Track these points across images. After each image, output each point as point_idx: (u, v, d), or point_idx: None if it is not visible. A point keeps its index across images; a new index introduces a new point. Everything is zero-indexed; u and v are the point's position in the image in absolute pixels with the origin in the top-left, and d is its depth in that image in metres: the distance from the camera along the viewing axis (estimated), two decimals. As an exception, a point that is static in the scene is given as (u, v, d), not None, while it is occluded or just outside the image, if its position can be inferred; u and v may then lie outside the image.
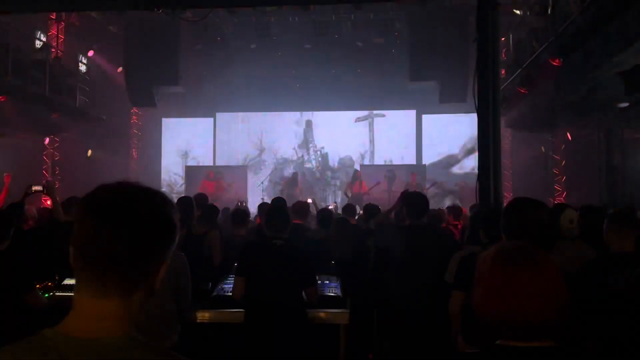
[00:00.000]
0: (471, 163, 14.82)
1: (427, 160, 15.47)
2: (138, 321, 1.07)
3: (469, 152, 15.46)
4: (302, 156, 16.30)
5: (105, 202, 1.03)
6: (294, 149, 16.28)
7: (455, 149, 15.61)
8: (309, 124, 16.26)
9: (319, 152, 16.25)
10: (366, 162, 15.93)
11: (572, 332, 2.10)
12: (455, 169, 15.56)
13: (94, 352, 0.98)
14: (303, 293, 3.66)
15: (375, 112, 15.97)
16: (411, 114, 15.81)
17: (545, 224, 2.27)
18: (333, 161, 16.12)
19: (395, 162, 15.53)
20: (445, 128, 15.45)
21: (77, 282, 1.04)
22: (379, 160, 15.91)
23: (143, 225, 1.02)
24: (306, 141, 16.29)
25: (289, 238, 3.75)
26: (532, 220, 2.27)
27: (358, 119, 16.07)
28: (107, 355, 0.98)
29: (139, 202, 1.04)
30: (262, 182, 15.12)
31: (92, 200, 1.04)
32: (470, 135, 15.23)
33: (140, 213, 1.02)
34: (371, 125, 16.13)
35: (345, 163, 16.01)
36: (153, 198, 1.06)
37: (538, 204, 2.36)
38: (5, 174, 6.00)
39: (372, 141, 16.10)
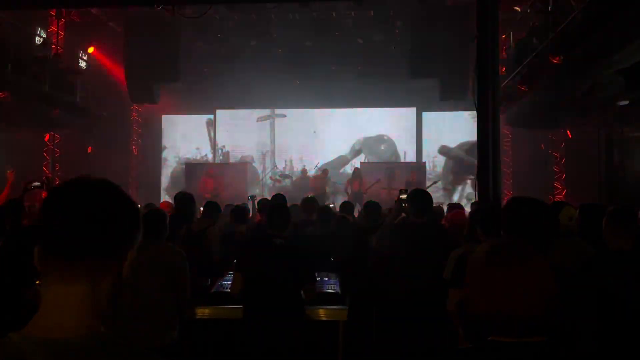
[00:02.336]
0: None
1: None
2: (125, 318, 1.08)
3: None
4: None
5: (69, 191, 1.06)
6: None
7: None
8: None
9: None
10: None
11: (565, 328, 2.11)
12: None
13: (58, 353, 0.97)
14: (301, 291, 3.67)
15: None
16: (399, 111, 15.85)
17: (545, 223, 2.29)
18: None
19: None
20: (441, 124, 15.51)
21: (45, 275, 1.04)
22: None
23: (108, 209, 1.06)
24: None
25: (289, 236, 3.77)
26: (532, 219, 2.29)
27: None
28: (72, 355, 0.97)
29: (101, 189, 1.08)
30: (261, 179, 15.20)
31: (56, 194, 1.07)
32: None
33: (103, 198, 1.07)
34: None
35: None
36: (112, 186, 1.10)
37: (538, 203, 2.38)
38: (8, 170, 5.99)
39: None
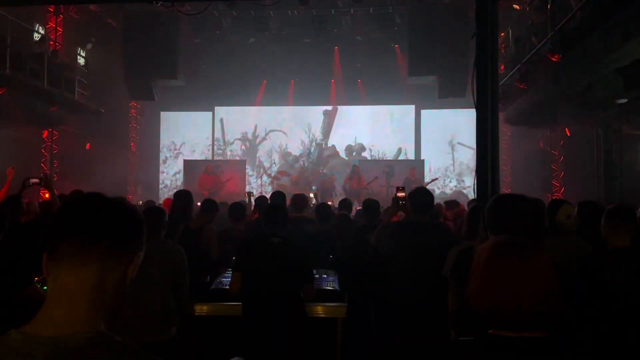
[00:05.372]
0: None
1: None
2: (121, 317, 1.10)
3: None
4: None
5: (88, 194, 1.16)
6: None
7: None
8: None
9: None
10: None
11: (566, 324, 2.11)
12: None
13: (57, 350, 0.98)
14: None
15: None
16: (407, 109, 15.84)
17: (529, 219, 2.23)
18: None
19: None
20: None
21: (53, 268, 1.06)
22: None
23: (120, 206, 1.14)
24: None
25: (287, 235, 3.77)
26: (514, 215, 2.24)
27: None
28: (71, 354, 0.98)
29: (108, 198, 1.17)
30: (260, 176, 15.22)
31: (75, 194, 1.14)
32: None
33: (117, 199, 1.16)
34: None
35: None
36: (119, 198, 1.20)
37: (520, 199, 2.34)
38: (8, 168, 5.97)
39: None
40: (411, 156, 15.65)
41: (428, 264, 3.80)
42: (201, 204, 5.32)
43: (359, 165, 14.38)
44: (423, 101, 15.10)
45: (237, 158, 16.13)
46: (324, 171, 15.12)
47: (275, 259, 3.57)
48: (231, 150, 16.44)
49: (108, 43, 13.57)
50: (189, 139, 16.41)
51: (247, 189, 14.56)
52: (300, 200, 5.80)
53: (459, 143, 15.44)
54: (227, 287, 3.86)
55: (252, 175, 15.83)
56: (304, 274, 3.67)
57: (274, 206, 4.11)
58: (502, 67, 10.52)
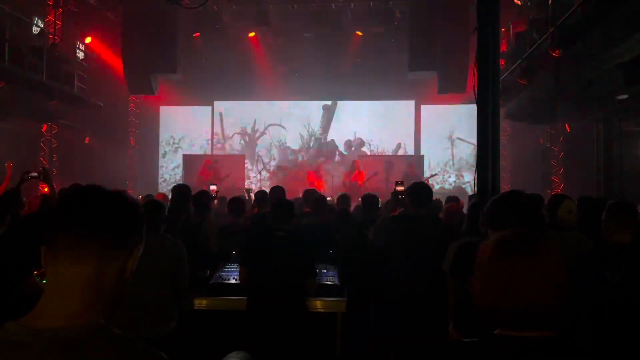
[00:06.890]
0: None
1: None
2: (120, 311, 1.09)
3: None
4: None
5: (88, 186, 1.14)
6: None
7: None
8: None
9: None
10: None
11: (571, 322, 2.10)
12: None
13: (55, 342, 0.98)
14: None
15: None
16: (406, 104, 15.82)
17: (527, 212, 2.22)
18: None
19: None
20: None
21: (52, 261, 1.06)
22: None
23: (120, 199, 1.13)
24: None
25: (292, 229, 3.80)
26: (514, 209, 2.22)
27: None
28: (69, 346, 0.98)
29: (107, 191, 1.16)
30: (259, 172, 15.22)
31: (74, 187, 1.14)
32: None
33: (116, 192, 1.15)
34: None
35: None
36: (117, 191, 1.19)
37: (518, 193, 2.32)
38: (7, 162, 5.95)
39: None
40: (410, 152, 15.63)
41: (423, 256, 3.81)
42: (192, 201, 5.10)
43: (359, 161, 14.38)
44: (423, 96, 15.07)
45: (236, 152, 16.10)
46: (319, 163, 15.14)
47: (279, 253, 3.59)
48: (230, 145, 16.41)
49: (107, 37, 13.53)
50: (188, 133, 16.36)
51: (246, 184, 14.57)
52: (312, 195, 5.83)
53: (458, 138, 15.40)
54: (227, 281, 3.89)
55: (251, 170, 15.84)
56: (308, 269, 3.69)
57: (280, 201, 4.13)
58: (503, 63, 10.49)
